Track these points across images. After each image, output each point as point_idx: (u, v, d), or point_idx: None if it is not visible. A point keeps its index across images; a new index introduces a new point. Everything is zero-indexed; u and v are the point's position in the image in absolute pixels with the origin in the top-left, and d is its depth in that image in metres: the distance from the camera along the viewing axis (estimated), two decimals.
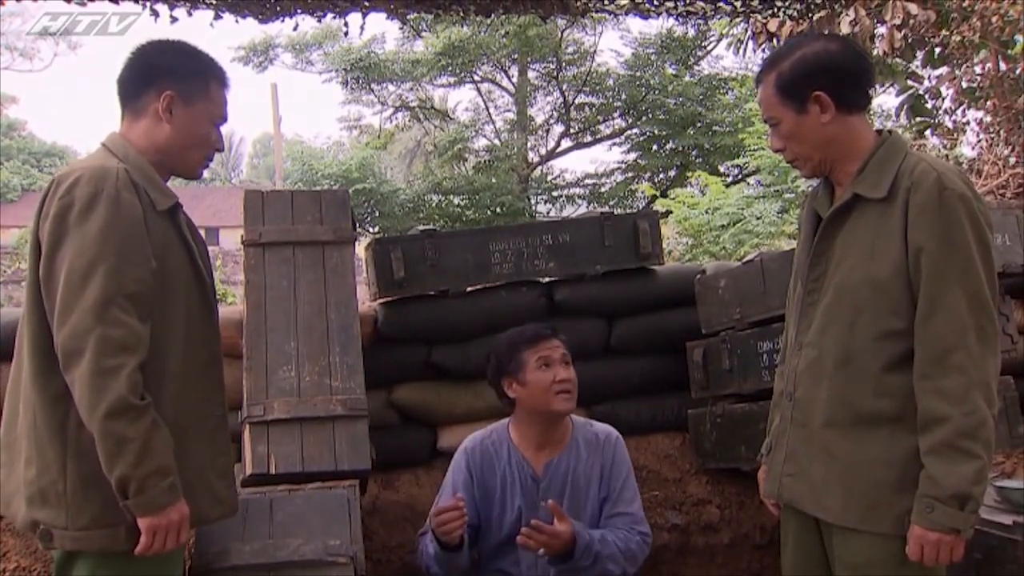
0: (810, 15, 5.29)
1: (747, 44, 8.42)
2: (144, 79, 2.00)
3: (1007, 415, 2.88)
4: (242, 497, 2.60)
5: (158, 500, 1.84)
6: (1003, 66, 6.06)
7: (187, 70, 2.03)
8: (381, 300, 3.55)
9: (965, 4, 5.86)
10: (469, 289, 3.60)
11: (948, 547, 1.82)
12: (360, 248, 4.05)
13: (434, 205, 19.94)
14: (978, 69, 6.25)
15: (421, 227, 3.68)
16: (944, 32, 6.10)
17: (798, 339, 2.07)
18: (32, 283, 1.92)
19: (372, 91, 20.78)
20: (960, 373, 1.82)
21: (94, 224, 1.85)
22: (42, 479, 1.87)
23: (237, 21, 4.36)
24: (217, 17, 4.31)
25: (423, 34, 19.57)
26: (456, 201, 19.84)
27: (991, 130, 6.21)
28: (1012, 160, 5.85)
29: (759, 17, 5.93)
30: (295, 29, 4.74)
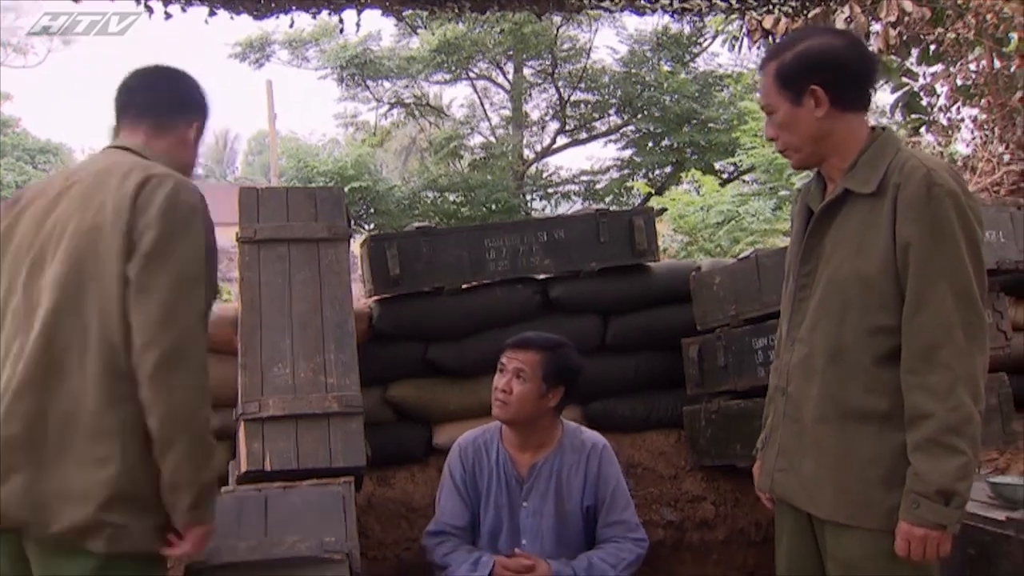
0: (805, 12, 5.29)
1: (742, 41, 8.43)
2: (181, 105, 2.14)
3: (1001, 411, 2.88)
4: (237, 494, 2.61)
5: (214, 507, 1.94)
6: (997, 63, 6.06)
7: (206, 109, 2.19)
8: (376, 297, 3.55)
9: (960, 1, 5.87)
10: (464, 286, 3.60)
11: (934, 543, 1.83)
12: (355, 245, 4.05)
13: (430, 202, 19.89)
14: (973, 67, 6.25)
15: (416, 224, 3.68)
16: (939, 29, 6.11)
17: (790, 334, 2.08)
18: (114, 276, 1.86)
19: (368, 88, 20.74)
20: (946, 369, 1.82)
21: (196, 234, 1.90)
22: (125, 480, 1.83)
23: (232, 18, 4.35)
24: (212, 14, 4.30)
25: (419, 31, 19.53)
26: (452, 198, 19.81)
27: (985, 127, 6.22)
28: (1007, 157, 5.86)
29: (754, 14, 5.94)
30: (291, 26, 4.73)
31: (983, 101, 6.14)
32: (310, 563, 2.38)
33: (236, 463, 2.89)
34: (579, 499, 2.78)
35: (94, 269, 1.87)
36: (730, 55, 19.40)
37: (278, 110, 20.16)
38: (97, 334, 1.84)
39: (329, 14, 4.47)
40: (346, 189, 16.13)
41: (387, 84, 20.86)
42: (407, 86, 21.04)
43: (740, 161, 13.53)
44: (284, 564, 2.38)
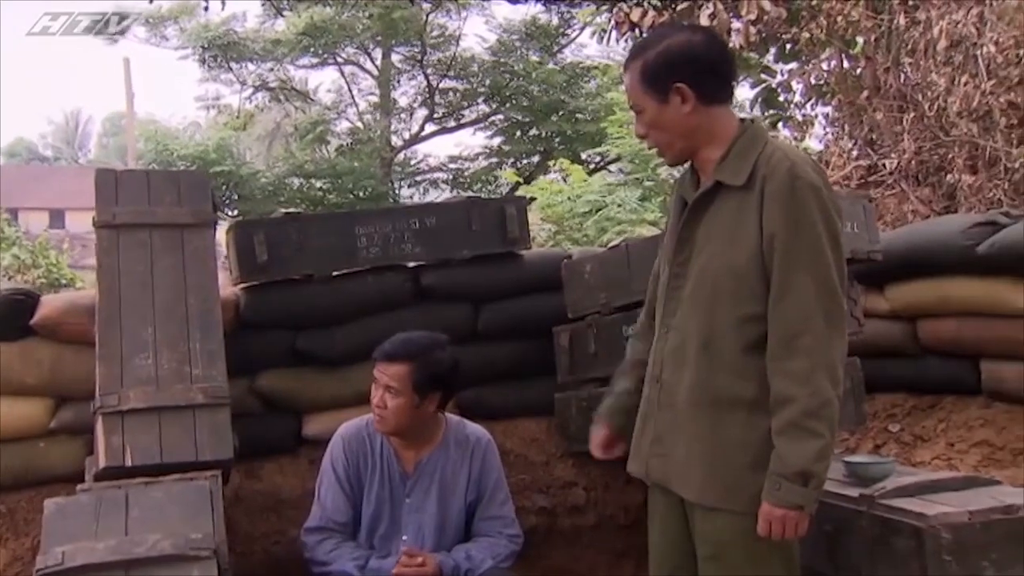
0: (672, 6, 5.41)
1: (610, 33, 8.56)
2: None
3: (854, 394, 3.02)
4: (94, 492, 2.49)
5: None
6: (847, 64, 6.36)
7: None
8: (243, 285, 3.45)
9: (813, 3, 6.12)
10: (335, 273, 3.54)
11: (793, 522, 1.92)
12: (221, 232, 3.93)
13: (295, 188, 19.53)
14: (825, 66, 6.54)
15: (284, 210, 3.60)
16: (794, 29, 6.35)
17: (664, 322, 2.13)
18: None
19: (231, 70, 20.14)
20: (806, 356, 1.90)
21: None
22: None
23: None
24: None
25: (284, 13, 19.07)
26: (318, 184, 19.50)
27: (836, 124, 6.54)
28: (855, 153, 6.17)
29: (623, 6, 6.04)
30: (151, 2, 4.53)
31: (834, 99, 6.44)
32: (175, 561, 2.28)
33: (94, 459, 2.76)
34: (463, 495, 2.81)
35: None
36: (598, 47, 19.78)
37: (135, 90, 19.34)
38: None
39: None
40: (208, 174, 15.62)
41: (251, 67, 20.32)
42: (272, 69, 20.55)
43: (607, 151, 13.78)
44: (147, 564, 2.27)
